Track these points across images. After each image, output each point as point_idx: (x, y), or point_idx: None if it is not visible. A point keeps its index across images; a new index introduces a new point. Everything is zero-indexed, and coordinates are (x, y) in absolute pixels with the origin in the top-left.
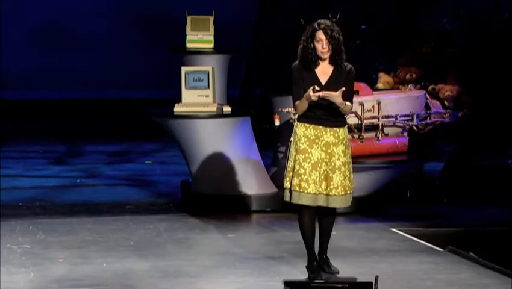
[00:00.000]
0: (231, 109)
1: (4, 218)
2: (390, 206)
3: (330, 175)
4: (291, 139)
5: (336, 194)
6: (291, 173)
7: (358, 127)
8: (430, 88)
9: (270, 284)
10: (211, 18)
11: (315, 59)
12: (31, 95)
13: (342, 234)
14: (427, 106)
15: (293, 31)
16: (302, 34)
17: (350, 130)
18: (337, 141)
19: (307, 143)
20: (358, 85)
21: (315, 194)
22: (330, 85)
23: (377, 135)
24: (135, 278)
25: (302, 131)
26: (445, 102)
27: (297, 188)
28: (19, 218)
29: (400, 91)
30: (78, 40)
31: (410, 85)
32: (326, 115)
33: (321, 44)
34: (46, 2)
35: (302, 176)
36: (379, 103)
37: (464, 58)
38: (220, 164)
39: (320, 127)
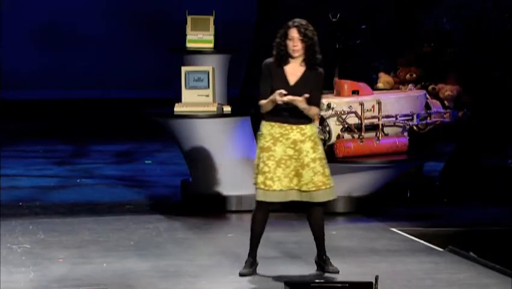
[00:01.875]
0: (231, 109)
1: (4, 218)
2: (390, 206)
3: (300, 172)
4: (258, 138)
5: (306, 190)
6: (256, 171)
7: (358, 127)
8: (430, 88)
9: (270, 284)
10: (211, 18)
11: (286, 57)
12: (31, 95)
13: (342, 234)
14: (427, 106)
15: None
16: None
17: (350, 130)
18: (303, 138)
19: (271, 141)
20: (358, 85)
21: (281, 190)
22: (298, 86)
23: (378, 134)
24: (135, 278)
25: (268, 130)
26: (445, 102)
27: (262, 186)
28: (19, 218)
29: (400, 91)
30: (78, 40)
31: (410, 85)
32: (291, 112)
33: (293, 42)
34: (46, 2)
35: (267, 174)
36: (379, 103)
37: (464, 57)
38: (220, 164)
39: (285, 125)
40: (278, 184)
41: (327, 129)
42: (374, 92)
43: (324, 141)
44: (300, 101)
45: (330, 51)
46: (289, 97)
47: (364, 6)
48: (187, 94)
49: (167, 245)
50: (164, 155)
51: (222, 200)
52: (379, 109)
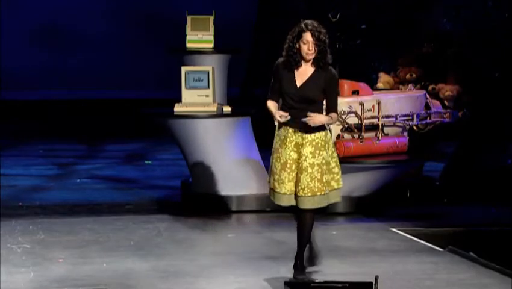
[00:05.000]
0: (231, 109)
1: (4, 218)
2: (390, 206)
3: (299, 176)
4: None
5: (303, 195)
6: (270, 171)
7: (358, 127)
8: (430, 88)
9: (270, 284)
10: (211, 18)
11: (298, 60)
12: (31, 95)
13: (342, 234)
14: (427, 106)
15: None
16: (289, 33)
17: (350, 130)
18: (304, 142)
19: (279, 143)
20: (358, 85)
21: (284, 194)
22: (305, 88)
23: (378, 135)
24: (135, 278)
25: (277, 130)
26: (445, 102)
27: (273, 187)
28: (19, 218)
29: (400, 91)
30: (78, 40)
31: (410, 85)
32: (297, 118)
33: (308, 46)
34: (46, 2)
35: (275, 176)
36: (379, 103)
37: (464, 57)
38: (220, 164)
39: (288, 128)
40: (282, 187)
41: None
42: (374, 92)
43: None
44: (314, 120)
45: (331, 51)
46: (309, 119)
47: (364, 6)
48: (186, 94)
49: (167, 245)
50: (164, 155)
51: (222, 200)
52: (379, 109)
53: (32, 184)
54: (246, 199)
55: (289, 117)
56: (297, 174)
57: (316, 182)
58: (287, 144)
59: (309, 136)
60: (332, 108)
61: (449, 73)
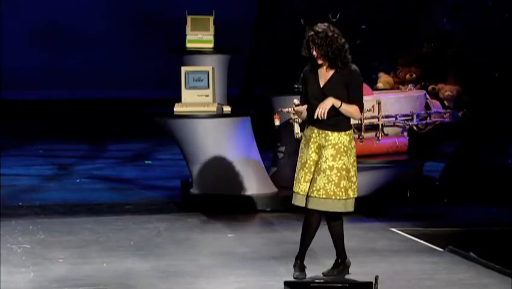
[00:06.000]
0: (231, 109)
1: (4, 218)
2: (390, 206)
3: (315, 176)
4: None
5: (316, 196)
6: None
7: (358, 127)
8: (430, 88)
9: (270, 284)
10: (211, 18)
11: (317, 64)
12: (31, 95)
13: None
14: (427, 106)
15: (293, 30)
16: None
17: None
18: (327, 144)
19: (303, 143)
20: None
21: (298, 193)
22: (327, 89)
23: (377, 135)
24: (135, 278)
25: (305, 131)
26: (445, 102)
27: (293, 188)
28: (19, 218)
29: (400, 91)
30: (78, 40)
31: (410, 85)
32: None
33: (312, 52)
34: (46, 2)
35: (295, 174)
36: (379, 103)
37: (464, 57)
38: (220, 164)
39: (314, 128)
40: (297, 186)
41: None
42: (374, 92)
43: None
44: (328, 104)
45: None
46: (317, 111)
47: (364, 6)
48: (187, 94)
49: (167, 245)
50: (164, 155)
51: (222, 200)
52: (379, 109)
53: (32, 184)
54: (246, 199)
55: (305, 114)
56: (313, 175)
57: (332, 186)
58: (310, 144)
59: (333, 139)
60: (353, 99)
61: (449, 73)
